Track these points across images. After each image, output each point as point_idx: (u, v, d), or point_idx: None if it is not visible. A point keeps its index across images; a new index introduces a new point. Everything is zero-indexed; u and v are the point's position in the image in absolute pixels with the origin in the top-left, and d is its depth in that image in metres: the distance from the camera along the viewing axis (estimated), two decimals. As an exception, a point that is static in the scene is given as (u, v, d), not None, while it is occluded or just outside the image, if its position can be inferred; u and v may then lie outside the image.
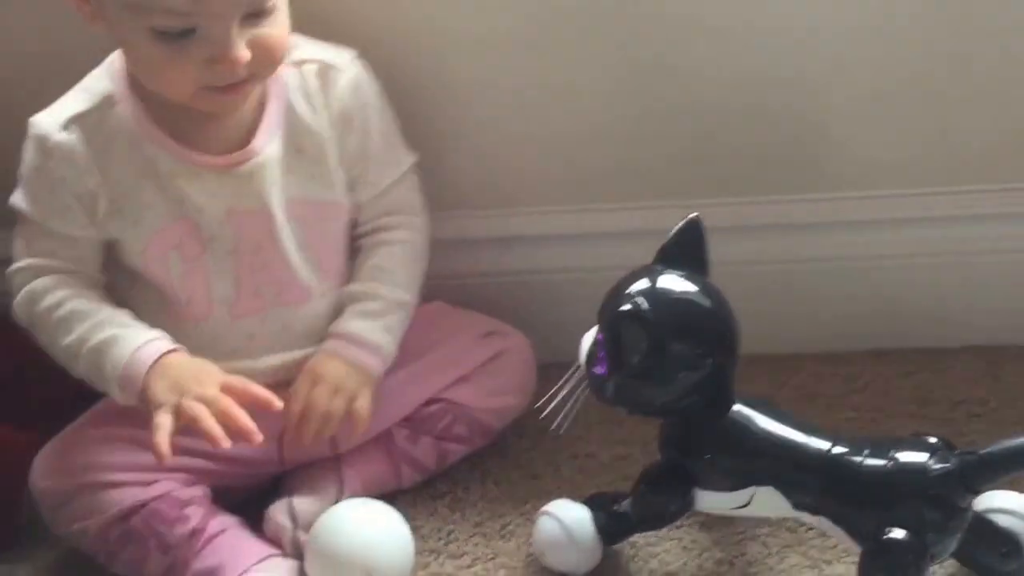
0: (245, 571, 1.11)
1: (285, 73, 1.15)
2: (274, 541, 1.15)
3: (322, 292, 1.19)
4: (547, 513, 1.12)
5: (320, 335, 1.19)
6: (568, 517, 1.11)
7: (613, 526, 1.11)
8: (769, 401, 1.07)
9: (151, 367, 1.10)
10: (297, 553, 1.13)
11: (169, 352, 1.11)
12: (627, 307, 1.01)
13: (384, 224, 1.22)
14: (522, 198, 1.33)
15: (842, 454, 1.01)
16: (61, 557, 1.19)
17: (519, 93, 1.27)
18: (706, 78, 1.24)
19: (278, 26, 1.09)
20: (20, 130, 1.14)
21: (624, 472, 1.21)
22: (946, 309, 1.31)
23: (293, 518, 1.15)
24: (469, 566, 1.15)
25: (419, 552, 1.14)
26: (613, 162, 1.30)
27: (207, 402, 1.07)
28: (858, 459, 1.00)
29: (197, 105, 1.10)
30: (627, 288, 1.02)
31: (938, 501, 0.98)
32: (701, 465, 1.06)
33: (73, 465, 1.13)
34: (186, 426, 1.07)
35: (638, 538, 1.14)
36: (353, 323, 1.18)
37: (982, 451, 0.98)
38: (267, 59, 1.09)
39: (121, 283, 1.18)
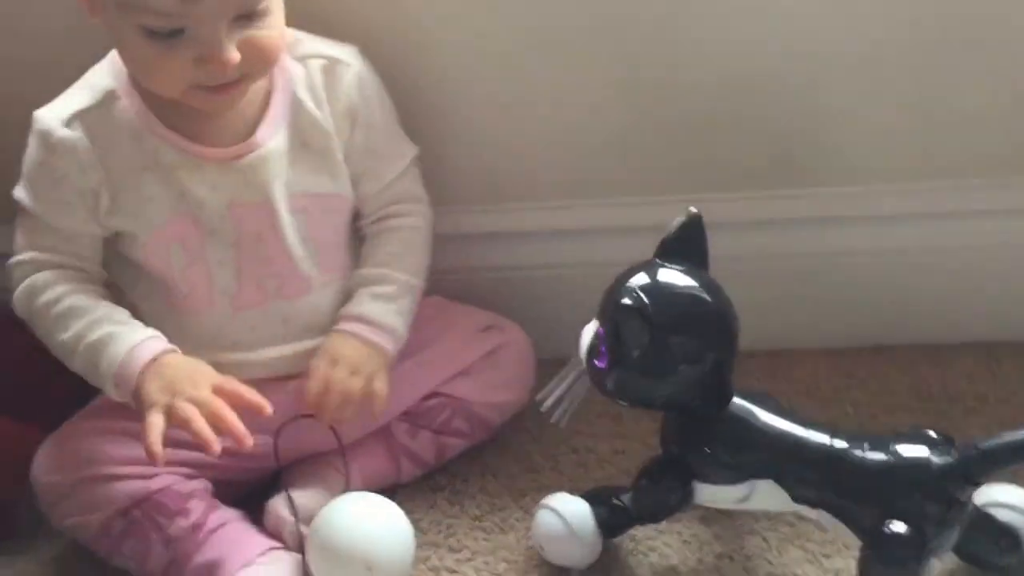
0: (246, 564, 1.11)
1: (291, 67, 1.16)
2: (275, 534, 1.15)
3: (323, 285, 1.19)
4: (547, 507, 1.13)
5: (321, 328, 1.19)
6: (568, 511, 1.11)
7: (613, 519, 1.12)
8: (769, 395, 1.07)
9: (145, 367, 1.10)
10: (298, 546, 1.13)
11: (164, 352, 1.11)
12: (628, 301, 1.01)
13: (392, 212, 1.23)
14: (521, 194, 1.33)
15: (842, 448, 1.02)
16: (62, 551, 1.19)
17: (518, 89, 1.27)
18: (705, 74, 1.24)
19: (271, 27, 1.09)
20: (19, 123, 1.14)
21: (623, 466, 1.21)
22: (945, 304, 1.32)
23: (294, 511, 1.15)
24: (469, 559, 1.15)
25: (419, 545, 1.14)
26: (611, 158, 1.30)
27: (199, 404, 1.07)
28: (858, 453, 1.01)
29: (189, 103, 1.10)
30: (628, 282, 1.03)
31: (938, 495, 0.99)
32: (701, 459, 1.06)
33: (74, 459, 1.13)
34: (178, 428, 1.07)
35: (638, 531, 1.14)
36: (367, 305, 1.18)
37: (982, 444, 0.99)
38: (259, 60, 1.09)
39: (123, 276, 1.18)
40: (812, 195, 1.29)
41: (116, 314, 1.13)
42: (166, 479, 1.12)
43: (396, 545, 1.11)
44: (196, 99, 1.10)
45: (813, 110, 1.25)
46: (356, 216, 1.23)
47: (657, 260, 1.05)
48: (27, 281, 1.15)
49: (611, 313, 1.03)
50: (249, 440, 1.07)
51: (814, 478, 1.03)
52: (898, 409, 1.26)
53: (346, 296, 1.20)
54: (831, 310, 1.34)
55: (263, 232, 1.16)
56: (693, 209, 1.05)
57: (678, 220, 1.06)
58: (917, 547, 0.98)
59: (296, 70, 1.16)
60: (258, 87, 1.14)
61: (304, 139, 1.16)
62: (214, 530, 1.13)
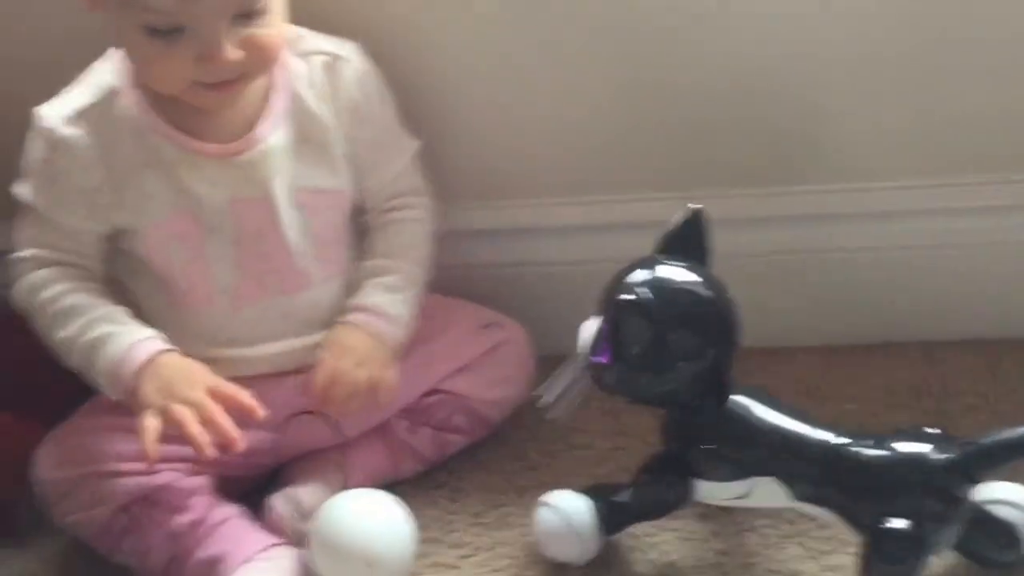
0: (247, 560, 1.11)
1: (292, 64, 1.16)
2: (276, 531, 1.15)
3: (323, 280, 1.20)
4: (547, 503, 1.13)
5: (321, 323, 1.19)
6: (568, 507, 1.11)
7: (613, 516, 1.12)
8: (768, 392, 1.07)
9: (141, 367, 1.10)
10: (299, 542, 1.13)
11: (160, 352, 1.12)
12: (629, 297, 1.01)
13: (395, 205, 1.23)
14: (521, 190, 1.33)
15: (842, 445, 1.02)
16: (64, 548, 1.19)
17: (518, 87, 1.27)
18: (705, 72, 1.24)
19: (271, 26, 1.10)
20: (20, 121, 1.14)
21: (623, 462, 1.21)
22: (945, 302, 1.32)
23: (295, 508, 1.15)
24: (469, 556, 1.16)
25: (419, 542, 1.13)
26: (612, 154, 1.30)
27: (193, 405, 1.07)
28: (858, 449, 1.01)
29: (189, 100, 1.11)
30: (628, 278, 1.03)
31: (938, 492, 0.99)
32: (701, 455, 1.07)
33: (76, 456, 1.13)
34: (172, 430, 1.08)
35: (637, 528, 1.14)
36: (374, 296, 1.19)
37: (981, 442, 0.99)
38: (258, 58, 1.10)
39: (124, 272, 1.18)
40: (811, 192, 1.29)
41: (114, 313, 1.14)
42: (168, 475, 1.12)
43: (397, 541, 1.11)
44: (196, 96, 1.10)
45: (812, 108, 1.26)
46: (358, 211, 1.23)
47: (658, 256, 1.05)
48: (28, 278, 1.15)
49: (611, 309, 1.03)
50: (240, 444, 1.07)
51: (814, 475, 1.03)
52: (898, 406, 1.26)
53: (348, 290, 1.21)
54: (831, 307, 1.34)
55: (263, 228, 1.16)
56: (694, 205, 1.05)
57: (679, 216, 1.06)
58: (916, 544, 0.98)
59: (298, 67, 1.16)
60: (259, 84, 1.14)
61: (305, 135, 1.16)
62: (215, 526, 1.13)
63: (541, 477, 1.23)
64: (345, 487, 1.17)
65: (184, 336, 1.16)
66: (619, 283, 1.03)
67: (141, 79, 1.12)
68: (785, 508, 1.07)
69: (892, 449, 1.00)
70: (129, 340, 1.12)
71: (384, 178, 1.22)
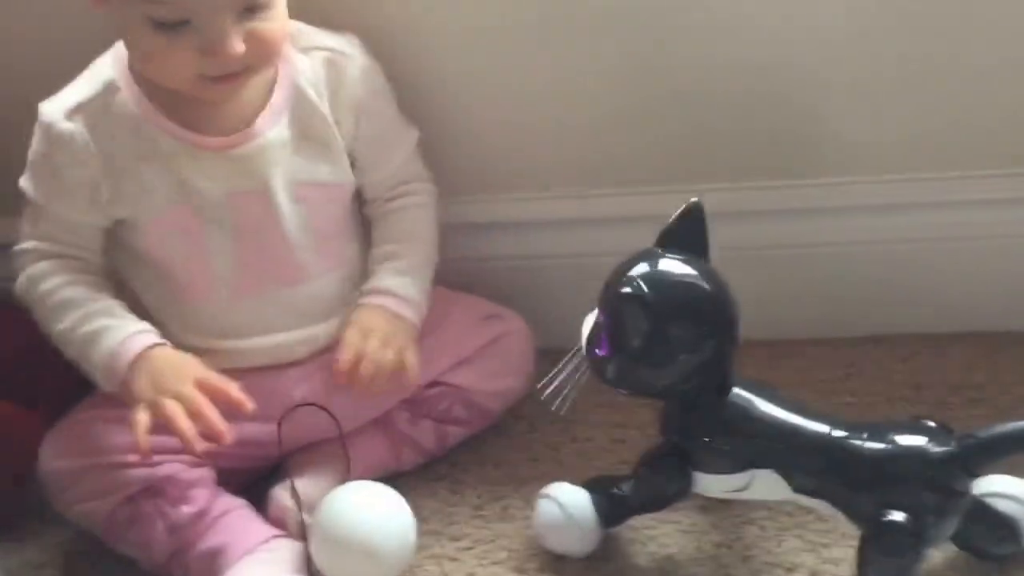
0: (249, 552, 1.11)
1: (294, 59, 1.16)
2: (278, 523, 1.16)
3: (322, 273, 1.20)
4: (547, 496, 1.13)
5: (320, 315, 1.20)
6: (568, 500, 1.12)
7: (612, 509, 1.12)
8: (768, 385, 1.08)
9: (133, 361, 1.11)
10: (301, 534, 1.13)
11: (152, 346, 1.12)
12: (628, 289, 1.01)
13: (400, 192, 1.24)
14: (521, 183, 1.34)
15: (841, 437, 1.02)
16: (67, 538, 1.20)
17: (519, 79, 1.27)
18: (704, 65, 1.24)
19: (275, 20, 1.10)
20: (20, 118, 1.14)
21: (623, 455, 1.21)
22: (944, 294, 1.32)
23: (296, 500, 1.15)
24: (469, 548, 1.16)
25: (420, 534, 1.14)
26: (612, 148, 1.30)
27: (182, 400, 1.08)
28: (857, 442, 1.01)
29: (193, 93, 1.11)
30: (628, 271, 1.03)
31: (937, 484, 0.99)
32: (700, 448, 1.07)
33: (81, 446, 1.14)
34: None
35: (637, 521, 1.14)
36: (390, 279, 1.20)
37: (981, 434, 0.99)
38: (263, 52, 1.10)
39: (124, 265, 1.19)
40: (811, 186, 1.29)
41: (110, 307, 1.14)
42: (171, 467, 1.13)
43: (397, 533, 1.11)
44: (200, 89, 1.10)
45: (812, 101, 1.26)
46: (361, 202, 1.24)
47: (658, 249, 1.05)
48: (28, 269, 1.16)
49: (611, 302, 1.03)
50: (228, 437, 1.08)
51: (813, 468, 1.03)
52: (897, 399, 1.26)
53: (353, 281, 1.21)
54: (830, 300, 1.34)
55: (262, 221, 1.16)
56: (694, 198, 1.06)
57: (679, 209, 1.06)
58: (915, 537, 0.98)
59: (299, 62, 1.17)
60: (261, 78, 1.14)
61: (305, 129, 1.17)
62: (218, 518, 1.13)
63: (541, 469, 1.23)
64: (346, 479, 1.17)
65: (185, 329, 1.17)
66: (619, 276, 1.03)
67: (145, 73, 1.12)
68: (784, 500, 1.07)
69: (891, 442, 1.00)
70: (123, 334, 1.12)
71: (388, 170, 1.23)
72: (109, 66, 1.14)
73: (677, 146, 1.29)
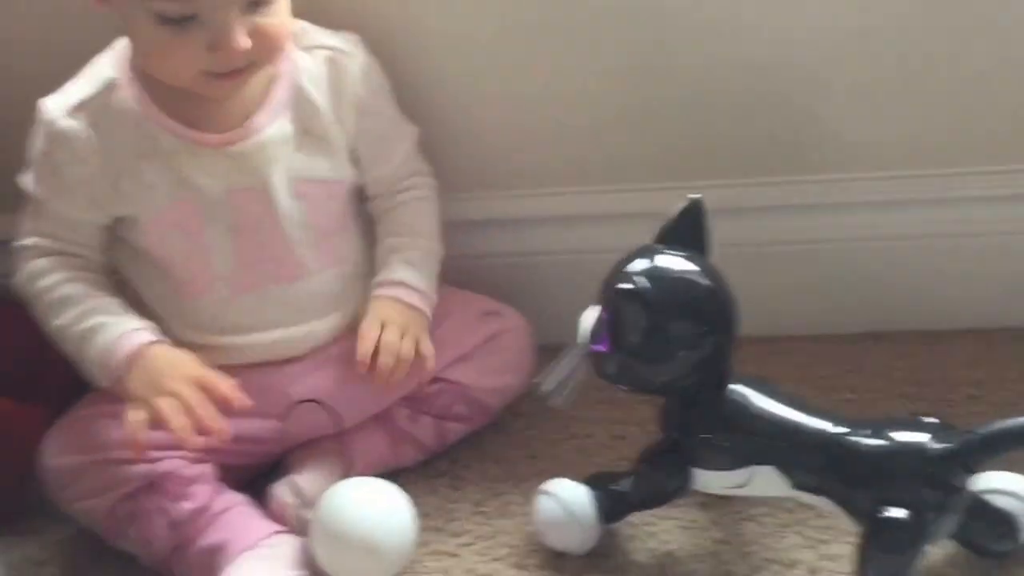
0: (250, 548, 1.11)
1: (296, 57, 1.17)
2: (278, 519, 1.16)
3: (320, 269, 1.20)
4: (547, 492, 1.13)
5: (319, 312, 1.20)
6: (567, 496, 1.12)
7: (612, 505, 1.12)
8: (768, 381, 1.08)
9: (129, 358, 1.11)
10: (301, 530, 1.13)
11: (148, 344, 1.13)
12: (627, 286, 1.01)
13: (404, 186, 1.25)
14: (520, 180, 1.34)
15: (841, 434, 1.02)
16: (69, 535, 1.20)
17: (516, 76, 1.27)
18: (705, 64, 1.24)
19: (278, 15, 1.10)
20: (21, 114, 1.15)
21: (623, 452, 1.21)
22: (944, 291, 1.32)
23: (297, 496, 1.16)
24: (470, 544, 1.16)
25: (420, 530, 1.14)
26: (611, 145, 1.30)
27: (177, 397, 1.08)
28: (856, 439, 1.01)
29: (197, 90, 1.11)
30: (628, 267, 1.03)
31: (936, 481, 0.99)
32: (700, 444, 1.07)
33: (82, 442, 1.14)
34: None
35: (637, 517, 1.15)
36: (402, 271, 1.21)
37: (980, 431, 0.99)
38: (267, 48, 1.10)
39: (125, 262, 1.20)
40: (810, 182, 1.29)
41: (107, 304, 1.15)
42: (172, 463, 1.13)
43: (398, 530, 1.11)
44: (204, 86, 1.11)
45: (812, 97, 1.26)
46: (364, 199, 1.24)
47: (657, 245, 1.05)
48: (28, 266, 1.17)
49: (610, 298, 1.03)
50: (223, 435, 1.08)
51: (812, 464, 1.03)
52: (896, 396, 1.26)
53: (348, 279, 1.22)
54: (830, 296, 1.34)
55: (261, 217, 1.16)
56: (695, 195, 1.06)
57: (679, 206, 1.06)
58: (915, 533, 0.98)
59: (301, 60, 1.17)
60: (262, 75, 1.14)
61: (306, 127, 1.17)
62: (219, 514, 1.13)
63: (541, 466, 1.23)
64: (346, 475, 1.17)
65: (184, 325, 1.18)
66: (618, 272, 1.03)
67: (149, 69, 1.12)
68: (784, 497, 1.07)
69: (890, 438, 1.00)
70: (119, 331, 1.13)
71: (390, 166, 1.23)
72: (109, 64, 1.15)
73: (677, 143, 1.29)
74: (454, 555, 1.15)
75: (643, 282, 1.01)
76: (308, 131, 1.17)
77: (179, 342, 1.16)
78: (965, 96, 1.24)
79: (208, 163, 1.14)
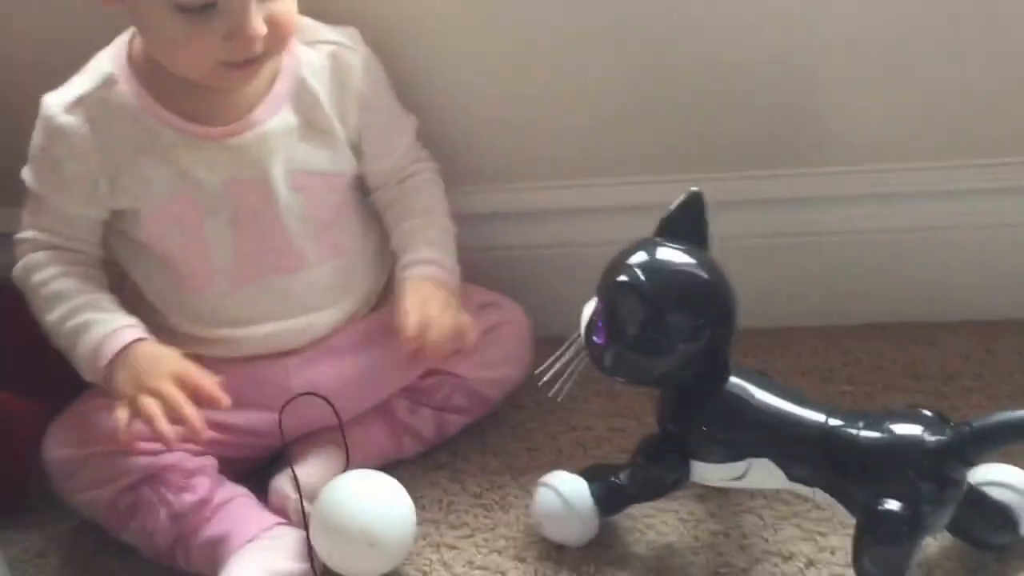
0: (251, 540, 1.12)
1: (299, 51, 1.17)
2: (279, 511, 1.16)
3: (320, 262, 1.20)
4: (545, 484, 1.13)
5: (319, 304, 1.20)
6: (566, 488, 1.12)
7: (610, 497, 1.12)
8: (765, 373, 1.08)
9: (114, 356, 1.12)
10: (302, 522, 1.13)
11: (134, 341, 1.13)
12: (624, 278, 1.01)
13: (408, 173, 1.25)
14: (521, 173, 1.34)
15: (838, 426, 1.02)
16: (71, 527, 1.20)
17: (516, 70, 1.28)
18: (706, 56, 1.24)
19: (288, 3, 1.11)
20: (23, 109, 1.15)
21: (621, 444, 1.22)
22: (941, 283, 1.32)
23: (297, 488, 1.16)
24: (469, 536, 1.16)
25: (420, 522, 1.14)
26: (611, 137, 1.31)
27: (160, 396, 1.09)
28: (854, 431, 1.01)
29: (211, 82, 1.11)
30: (626, 259, 1.03)
31: (933, 473, 0.99)
32: (697, 436, 1.07)
33: (85, 435, 1.14)
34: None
35: (635, 509, 1.15)
36: (426, 251, 1.21)
37: (976, 424, 0.99)
38: (280, 35, 1.11)
39: (125, 256, 1.20)
40: (809, 175, 1.30)
41: (98, 301, 1.15)
42: (174, 455, 1.13)
43: (397, 521, 1.11)
44: (219, 77, 1.11)
45: (813, 90, 1.26)
46: (367, 191, 1.25)
47: (656, 238, 1.05)
48: (25, 259, 1.17)
49: (608, 290, 1.03)
50: (204, 434, 1.09)
51: (810, 456, 1.03)
52: (894, 388, 1.27)
53: (347, 272, 1.22)
54: (828, 289, 1.34)
55: (260, 209, 1.17)
56: (694, 188, 1.06)
57: (679, 198, 1.06)
58: (911, 525, 0.98)
59: (304, 54, 1.17)
60: (267, 67, 1.14)
61: (307, 119, 1.17)
62: (220, 506, 1.14)
63: (541, 458, 1.23)
64: (346, 468, 1.17)
65: (185, 318, 1.18)
66: (616, 265, 1.03)
67: (166, 62, 1.12)
68: (781, 489, 1.08)
69: (888, 431, 1.00)
70: (106, 328, 1.13)
71: (391, 159, 1.24)
72: (107, 60, 1.15)
73: (677, 136, 1.29)
74: (453, 547, 1.16)
75: (640, 274, 1.01)
76: (310, 123, 1.17)
77: (179, 335, 1.17)
78: (965, 89, 1.24)
79: (208, 156, 1.14)
